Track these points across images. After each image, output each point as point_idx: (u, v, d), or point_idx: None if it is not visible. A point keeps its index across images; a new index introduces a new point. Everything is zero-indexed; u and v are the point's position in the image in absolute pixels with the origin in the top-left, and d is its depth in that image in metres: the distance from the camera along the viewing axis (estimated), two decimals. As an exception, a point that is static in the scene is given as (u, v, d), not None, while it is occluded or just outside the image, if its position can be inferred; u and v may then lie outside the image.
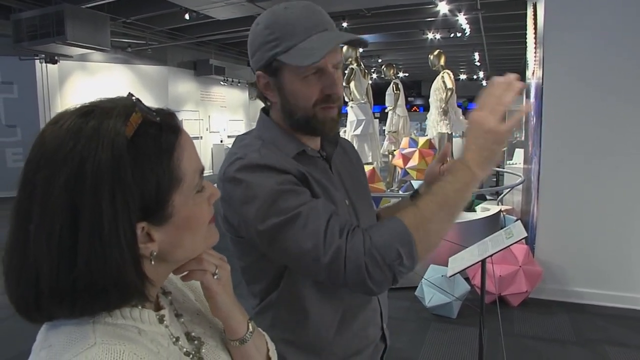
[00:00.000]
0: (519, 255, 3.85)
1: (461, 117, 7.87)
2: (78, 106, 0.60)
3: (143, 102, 0.61)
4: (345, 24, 9.55)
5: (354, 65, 7.44)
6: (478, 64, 17.41)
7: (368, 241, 0.91)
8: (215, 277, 0.73)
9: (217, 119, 15.23)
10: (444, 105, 7.43)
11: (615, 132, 3.84)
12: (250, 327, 0.78)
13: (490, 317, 2.94)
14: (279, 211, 0.93)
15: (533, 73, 4.84)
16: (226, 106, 15.85)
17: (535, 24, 4.80)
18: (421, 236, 0.92)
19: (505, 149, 0.96)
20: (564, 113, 3.96)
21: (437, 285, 3.72)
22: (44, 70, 10.32)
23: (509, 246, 2.39)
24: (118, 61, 11.92)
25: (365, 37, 9.71)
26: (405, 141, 7.40)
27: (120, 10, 9.09)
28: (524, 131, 7.73)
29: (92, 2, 8.25)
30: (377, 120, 11.17)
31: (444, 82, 7.44)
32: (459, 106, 8.15)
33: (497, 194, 6.63)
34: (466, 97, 23.07)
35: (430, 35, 11.40)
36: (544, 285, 4.05)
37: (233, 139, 1.14)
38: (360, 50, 8.68)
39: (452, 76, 7.52)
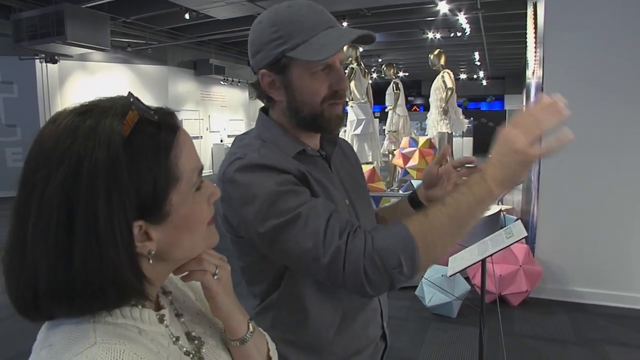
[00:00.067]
0: (519, 255, 3.86)
1: (461, 117, 7.88)
2: (76, 105, 0.60)
3: (142, 101, 0.61)
4: (345, 24, 9.54)
5: (354, 65, 7.45)
6: (478, 63, 17.41)
7: (370, 243, 0.90)
8: (216, 277, 0.73)
9: (217, 118, 15.22)
10: (444, 104, 7.43)
11: (616, 132, 3.84)
12: (251, 327, 0.78)
13: (490, 317, 2.94)
14: (278, 212, 0.93)
15: (533, 72, 4.84)
16: (226, 106, 15.85)
17: (535, 23, 4.80)
18: (425, 246, 0.89)
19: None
20: (564, 113, 3.96)
21: (437, 285, 3.72)
22: (44, 70, 10.32)
23: (509, 246, 2.39)
24: (118, 61, 11.92)
25: (366, 36, 9.67)
26: (405, 141, 7.41)
27: (120, 9, 9.09)
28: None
29: (92, 2, 8.25)
30: (377, 119, 11.18)
31: (444, 81, 7.45)
32: (459, 106, 8.16)
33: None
34: (466, 96, 23.12)
35: (430, 35, 11.40)
36: (544, 284, 4.05)
37: (233, 139, 1.14)
38: (361, 49, 8.68)
39: (452, 76, 7.52)
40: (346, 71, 7.17)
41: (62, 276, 0.56)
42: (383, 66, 9.22)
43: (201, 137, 14.11)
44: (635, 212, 3.87)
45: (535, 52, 4.71)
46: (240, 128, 15.91)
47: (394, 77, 8.87)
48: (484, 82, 22.62)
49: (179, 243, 0.64)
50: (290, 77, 1.01)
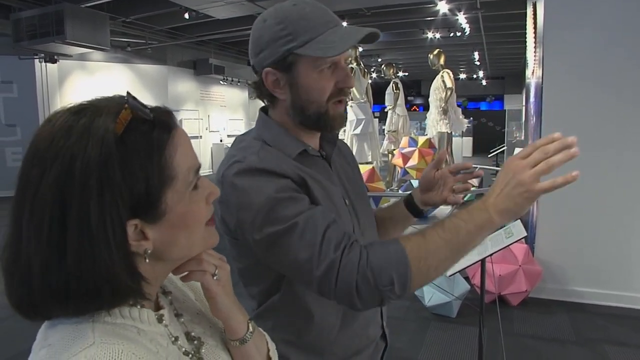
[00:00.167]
0: (518, 255, 3.86)
1: (461, 117, 7.88)
2: (72, 104, 0.61)
3: (140, 100, 0.61)
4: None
5: (354, 65, 7.45)
6: (478, 63, 17.42)
7: (364, 259, 0.89)
8: (215, 277, 0.73)
9: (216, 118, 15.22)
10: (443, 104, 7.44)
11: (616, 132, 3.84)
12: (251, 327, 0.78)
13: (489, 317, 2.94)
14: (275, 220, 0.92)
15: (533, 72, 4.84)
16: (226, 105, 15.84)
17: (535, 23, 4.80)
18: (419, 269, 0.89)
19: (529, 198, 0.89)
20: (563, 112, 3.96)
21: (436, 285, 3.72)
22: (44, 70, 10.32)
23: (508, 245, 2.39)
24: (118, 60, 11.91)
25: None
26: (404, 140, 7.41)
27: (119, 9, 9.09)
28: (523, 130, 7.73)
29: (92, 2, 8.25)
30: (377, 119, 11.18)
31: (443, 81, 7.45)
32: (458, 105, 8.17)
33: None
34: (466, 96, 23.13)
35: (430, 35, 11.42)
36: (543, 284, 4.05)
37: (232, 139, 1.13)
38: (360, 49, 8.68)
39: (451, 75, 7.53)
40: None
41: (55, 274, 0.56)
42: (383, 66, 9.23)
43: (201, 136, 14.11)
44: (635, 211, 3.87)
45: (534, 51, 4.71)
46: (240, 128, 15.91)
47: (393, 76, 8.87)
48: (484, 82, 22.63)
49: (176, 242, 0.64)
50: (296, 75, 1.00)
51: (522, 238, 2.41)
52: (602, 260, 3.94)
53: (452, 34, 11.08)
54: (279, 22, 0.98)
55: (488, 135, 18.04)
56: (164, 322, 0.67)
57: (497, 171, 8.98)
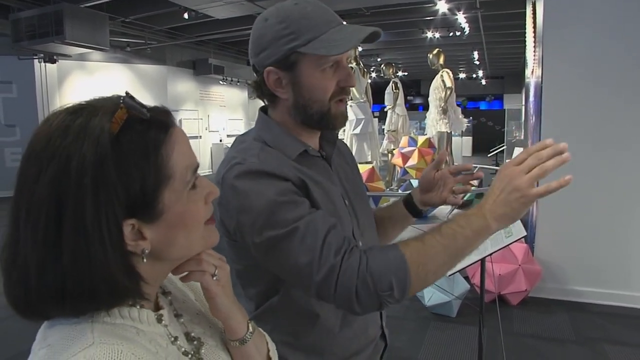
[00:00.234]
0: (518, 254, 3.86)
1: (460, 116, 7.88)
2: (69, 105, 0.61)
3: (138, 100, 0.61)
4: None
5: (353, 64, 7.44)
6: (477, 62, 17.42)
7: (364, 264, 0.90)
8: (215, 278, 0.73)
9: (216, 118, 15.21)
10: (443, 104, 7.44)
11: (615, 131, 3.84)
12: (250, 327, 0.78)
13: (489, 316, 2.94)
14: (276, 224, 0.92)
15: (532, 72, 4.84)
16: (225, 105, 15.83)
17: (534, 22, 4.80)
18: (418, 274, 0.90)
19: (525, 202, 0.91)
20: (563, 111, 3.96)
21: (436, 284, 3.72)
22: (43, 70, 10.31)
23: (508, 245, 2.39)
24: (117, 61, 11.91)
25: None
26: (404, 140, 7.41)
27: (119, 9, 9.08)
28: (523, 130, 7.73)
29: (91, 2, 8.25)
30: (377, 119, 11.18)
31: (443, 81, 7.45)
32: (458, 105, 8.16)
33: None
34: (465, 96, 23.13)
35: (429, 34, 11.41)
36: (543, 284, 4.05)
37: (232, 138, 1.13)
38: (360, 49, 8.68)
39: (451, 75, 7.53)
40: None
41: (51, 274, 0.56)
42: (382, 65, 9.23)
43: (200, 136, 14.10)
44: (634, 211, 3.87)
45: (534, 51, 4.71)
46: (240, 128, 15.90)
47: (393, 76, 8.87)
48: (483, 82, 22.62)
49: (174, 242, 0.64)
50: (298, 74, 1.00)
51: (521, 237, 2.40)
52: (601, 260, 3.94)
53: (451, 34, 11.08)
54: (282, 21, 0.97)
55: (488, 135, 18.04)
56: (163, 322, 0.67)
57: (496, 171, 9.00)
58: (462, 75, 21.37)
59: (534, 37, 4.71)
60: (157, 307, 0.69)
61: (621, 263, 3.91)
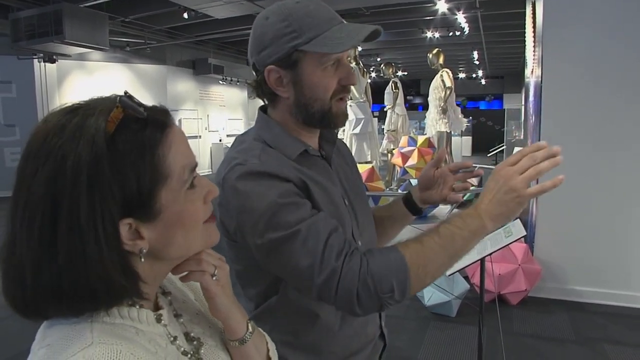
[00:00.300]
0: (518, 254, 3.86)
1: (460, 116, 7.88)
2: (67, 104, 0.61)
3: (137, 99, 0.61)
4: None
5: (353, 64, 7.44)
6: (477, 62, 17.42)
7: (365, 267, 0.91)
8: (214, 278, 0.73)
9: (216, 118, 15.21)
10: (442, 104, 7.43)
11: (615, 130, 3.84)
12: (250, 327, 0.78)
13: (489, 316, 2.94)
14: (278, 226, 0.92)
15: (532, 71, 4.84)
16: (225, 105, 15.84)
17: (534, 22, 4.80)
18: (418, 275, 0.92)
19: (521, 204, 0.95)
20: (562, 111, 3.96)
21: (436, 284, 3.72)
22: (43, 70, 10.31)
23: (508, 245, 2.39)
24: (117, 60, 11.91)
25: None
26: (404, 140, 7.41)
27: (118, 9, 9.08)
28: (522, 130, 7.73)
29: (91, 1, 8.24)
30: (376, 119, 11.18)
31: (442, 80, 7.45)
32: (457, 105, 8.16)
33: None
34: (465, 95, 23.13)
35: (429, 34, 11.41)
36: (543, 283, 4.05)
37: (232, 138, 1.13)
38: (359, 49, 8.68)
39: (451, 75, 7.52)
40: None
41: (47, 273, 0.56)
42: (382, 65, 9.23)
43: (200, 136, 14.10)
44: (634, 211, 3.87)
45: (534, 51, 4.71)
46: (239, 127, 15.90)
47: (392, 76, 8.87)
48: (483, 81, 22.63)
49: (172, 241, 0.64)
50: (300, 73, 1.00)
51: (521, 237, 2.40)
52: (601, 260, 3.94)
53: (451, 34, 11.08)
54: (283, 19, 0.97)
55: (487, 135, 18.06)
56: (162, 322, 0.67)
57: (496, 170, 8.99)
58: (461, 75, 21.38)
59: (534, 36, 4.71)
60: (156, 307, 0.69)
61: (621, 263, 3.91)
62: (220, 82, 14.72)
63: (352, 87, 6.32)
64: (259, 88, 1.05)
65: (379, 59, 15.92)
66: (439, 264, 0.94)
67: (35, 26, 8.17)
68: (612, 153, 3.86)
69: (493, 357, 3.02)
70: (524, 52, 6.64)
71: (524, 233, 2.40)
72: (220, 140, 14.98)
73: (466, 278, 3.95)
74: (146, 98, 0.60)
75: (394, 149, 8.08)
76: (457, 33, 10.95)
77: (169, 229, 0.63)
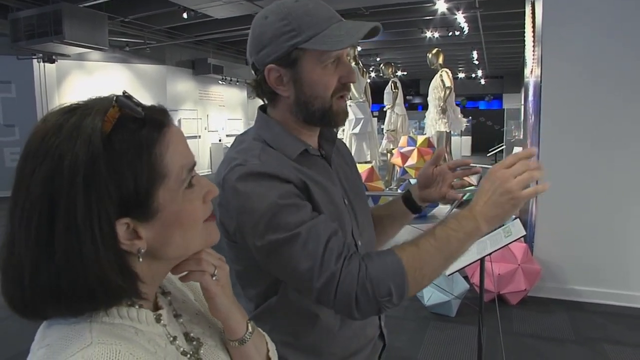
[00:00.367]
0: (517, 254, 3.86)
1: (459, 116, 7.89)
2: (65, 104, 0.61)
3: (136, 99, 0.61)
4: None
5: (352, 64, 7.44)
6: (476, 62, 17.42)
7: (363, 271, 0.91)
8: (214, 278, 0.72)
9: (215, 118, 15.21)
10: (442, 103, 7.44)
11: (614, 130, 3.84)
12: (250, 327, 0.78)
13: (489, 316, 2.94)
14: (278, 227, 0.92)
15: (531, 71, 4.84)
16: (224, 105, 15.83)
17: (533, 22, 4.80)
18: (415, 278, 0.93)
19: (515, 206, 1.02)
20: (562, 111, 3.96)
21: (436, 284, 3.72)
22: (42, 70, 10.31)
23: (507, 244, 2.39)
24: (116, 60, 11.90)
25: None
26: (403, 140, 7.41)
27: (118, 9, 9.08)
28: (522, 129, 7.73)
29: (90, 1, 8.24)
30: (376, 118, 11.18)
31: (442, 80, 7.45)
32: (457, 104, 8.16)
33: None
34: (465, 95, 23.14)
35: (428, 34, 11.41)
36: (542, 283, 4.05)
37: (231, 138, 1.13)
38: (359, 48, 8.68)
39: (450, 75, 7.52)
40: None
41: (45, 273, 0.56)
42: (381, 65, 9.22)
43: (199, 136, 14.09)
44: (633, 210, 3.87)
45: (533, 50, 4.71)
46: (239, 127, 15.89)
47: (392, 76, 8.87)
48: (483, 81, 22.63)
49: (170, 241, 0.64)
50: (300, 71, 1.00)
51: (521, 237, 2.40)
52: (600, 259, 3.94)
53: (450, 33, 11.08)
54: (283, 18, 0.97)
55: (487, 134, 18.06)
56: (162, 322, 0.67)
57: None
58: (461, 75, 21.37)
59: (533, 36, 4.72)
60: (156, 307, 0.69)
61: (620, 262, 3.92)
62: (220, 82, 14.71)
63: (352, 87, 6.34)
64: (258, 87, 1.05)
65: (378, 59, 15.92)
66: (436, 266, 0.95)
67: (35, 26, 8.17)
68: (611, 152, 3.86)
69: (493, 357, 3.02)
70: (523, 52, 6.64)
71: (524, 233, 2.41)
72: (219, 140, 14.97)
73: (466, 278, 3.95)
74: (146, 98, 0.60)
75: (393, 149, 8.09)
76: (457, 33, 10.95)
77: (167, 228, 0.63)
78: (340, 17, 1.01)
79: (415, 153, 6.94)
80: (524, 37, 6.00)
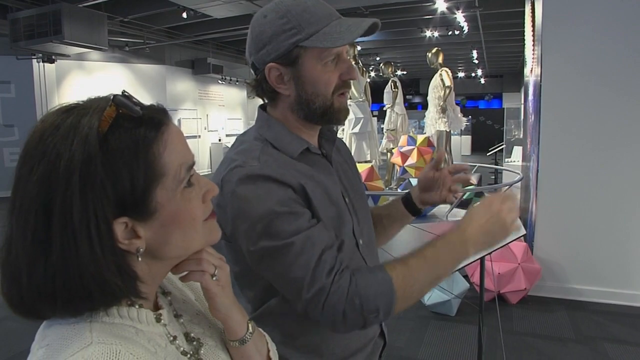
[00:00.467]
0: (517, 253, 3.86)
1: (459, 115, 7.88)
2: (64, 104, 0.61)
3: (136, 98, 0.61)
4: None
5: (352, 63, 7.43)
6: (476, 61, 17.40)
7: (353, 286, 0.92)
8: (214, 278, 0.72)
9: (215, 117, 15.21)
10: (442, 103, 7.43)
11: (614, 129, 3.84)
12: (250, 327, 0.78)
13: (489, 315, 2.94)
14: (272, 235, 0.93)
15: (531, 70, 4.84)
16: (224, 105, 15.83)
17: (533, 21, 4.80)
18: (403, 297, 0.95)
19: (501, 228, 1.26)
20: (562, 110, 3.96)
21: (436, 283, 3.72)
22: (42, 70, 10.30)
23: (507, 244, 2.39)
24: (116, 60, 11.90)
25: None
26: (403, 139, 7.40)
27: (117, 9, 9.08)
28: (522, 129, 7.74)
29: (90, 1, 8.24)
30: (376, 118, 11.18)
31: (442, 79, 7.44)
32: (457, 104, 8.15)
33: (496, 191, 6.64)
34: (464, 94, 23.13)
35: (428, 33, 11.41)
36: (542, 282, 4.05)
37: (231, 138, 1.13)
38: (359, 48, 8.67)
39: (450, 74, 7.52)
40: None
41: (41, 272, 0.56)
42: (381, 64, 9.21)
43: (199, 136, 14.09)
44: (633, 209, 3.87)
45: (533, 49, 4.71)
46: (239, 127, 15.90)
47: (392, 75, 8.86)
48: (482, 81, 22.63)
49: (169, 240, 0.64)
50: (301, 69, 1.00)
51: (521, 236, 2.41)
52: (600, 258, 3.95)
53: (450, 33, 11.07)
54: (282, 17, 0.97)
55: (487, 134, 18.05)
56: (162, 322, 0.66)
57: (495, 169, 8.97)
58: (461, 74, 21.37)
59: (533, 35, 4.72)
60: (156, 307, 0.69)
61: (620, 261, 3.92)
62: (220, 81, 14.72)
63: (352, 87, 6.34)
64: (258, 87, 1.05)
65: (378, 58, 15.91)
66: (423, 286, 0.99)
67: (34, 26, 8.16)
68: (611, 151, 3.86)
69: (493, 356, 3.02)
70: (523, 51, 6.64)
71: (524, 232, 2.41)
72: (219, 140, 14.97)
73: (466, 277, 3.95)
74: (145, 98, 0.60)
75: (393, 148, 8.08)
76: (457, 32, 10.94)
77: (166, 227, 0.62)
78: (338, 15, 1.01)
79: (415, 152, 6.94)
80: (524, 36, 6.00)
